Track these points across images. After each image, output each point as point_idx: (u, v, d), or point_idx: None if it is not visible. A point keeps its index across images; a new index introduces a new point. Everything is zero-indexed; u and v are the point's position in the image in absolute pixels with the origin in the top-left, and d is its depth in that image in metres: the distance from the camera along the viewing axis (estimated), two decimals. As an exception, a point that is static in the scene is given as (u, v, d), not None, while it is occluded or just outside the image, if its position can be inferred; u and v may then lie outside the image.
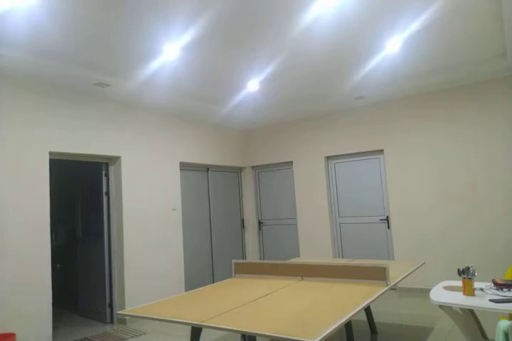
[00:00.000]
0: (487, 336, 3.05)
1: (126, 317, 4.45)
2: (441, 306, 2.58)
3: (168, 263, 5.07)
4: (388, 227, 5.48)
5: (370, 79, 4.54)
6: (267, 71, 4.08)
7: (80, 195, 5.17)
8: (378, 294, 2.55)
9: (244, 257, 6.63)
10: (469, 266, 2.69)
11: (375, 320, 4.07)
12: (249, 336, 2.19)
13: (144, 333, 4.09)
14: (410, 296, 4.97)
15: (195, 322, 2.10)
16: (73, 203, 5.88)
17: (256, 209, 6.77)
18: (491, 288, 2.80)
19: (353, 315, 2.11)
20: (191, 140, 5.74)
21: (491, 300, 2.48)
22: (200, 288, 3.06)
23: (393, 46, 3.59)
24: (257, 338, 3.18)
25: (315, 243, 5.99)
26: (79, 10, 2.68)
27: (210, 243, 5.99)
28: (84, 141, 4.30)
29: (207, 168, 6.15)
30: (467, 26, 3.30)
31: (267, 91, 4.77)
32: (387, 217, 5.48)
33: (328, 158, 6.08)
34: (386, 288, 2.70)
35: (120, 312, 2.47)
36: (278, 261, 3.30)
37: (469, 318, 2.74)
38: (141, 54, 3.48)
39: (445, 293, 2.74)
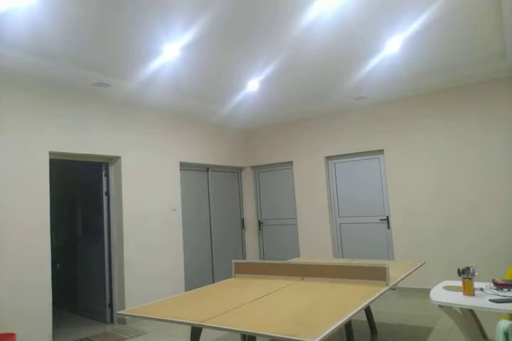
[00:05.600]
0: (487, 336, 3.05)
1: (126, 317, 4.45)
2: (441, 306, 2.58)
3: (168, 263, 5.06)
4: (388, 227, 5.48)
5: (370, 79, 4.54)
6: (267, 71, 4.08)
7: (80, 195, 5.17)
8: (378, 294, 2.55)
9: (244, 257, 6.63)
10: (469, 266, 2.69)
11: (375, 320, 4.07)
12: (249, 336, 2.19)
13: (144, 333, 4.09)
14: (410, 296, 4.97)
15: (195, 322, 2.10)
16: (73, 203, 5.88)
17: (256, 209, 6.77)
18: (491, 288, 2.80)
19: (353, 315, 2.10)
20: (191, 140, 5.74)
21: (491, 300, 2.48)
22: (200, 288, 3.06)
23: (393, 46, 3.59)
24: (257, 338, 3.18)
25: (315, 243, 5.99)
26: (79, 10, 2.68)
27: (210, 243, 5.99)
28: (84, 141, 4.30)
29: (207, 168, 6.15)
30: (467, 26, 3.30)
31: (267, 91, 4.77)
32: (387, 216, 5.48)
33: (328, 158, 6.08)
34: (386, 288, 2.70)
35: (120, 312, 2.47)
36: (278, 261, 3.30)
37: (469, 318, 2.74)
38: (141, 54, 3.48)
39: (445, 293, 2.74)
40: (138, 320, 4.55)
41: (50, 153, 4.07)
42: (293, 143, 6.35)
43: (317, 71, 4.17)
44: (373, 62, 4.00)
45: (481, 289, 2.78)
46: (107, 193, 4.72)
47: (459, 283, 3.02)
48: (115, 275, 4.60)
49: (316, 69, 4.10)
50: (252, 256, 6.65)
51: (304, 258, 4.72)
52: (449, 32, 3.38)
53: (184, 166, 5.70)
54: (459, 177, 4.92)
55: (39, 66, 3.56)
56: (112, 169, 4.76)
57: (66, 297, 5.86)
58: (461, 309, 2.66)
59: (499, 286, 2.76)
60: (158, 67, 3.79)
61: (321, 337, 1.75)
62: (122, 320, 4.48)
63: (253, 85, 4.50)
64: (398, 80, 4.63)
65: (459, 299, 2.57)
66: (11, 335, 3.31)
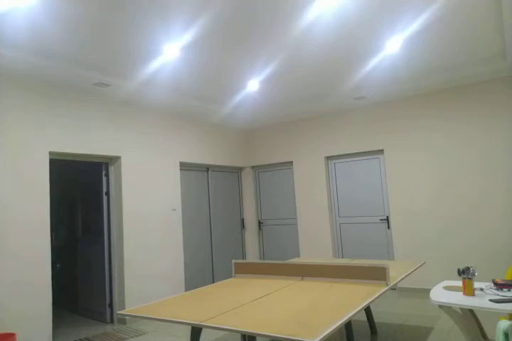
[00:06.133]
0: (487, 336, 3.05)
1: (126, 317, 4.45)
2: (441, 306, 2.58)
3: (168, 263, 5.06)
4: (388, 227, 5.48)
5: (370, 79, 4.54)
6: (267, 71, 4.08)
7: (80, 195, 5.17)
8: (378, 294, 2.55)
9: (244, 257, 6.62)
10: (469, 266, 2.69)
11: (375, 320, 4.07)
12: (249, 336, 2.19)
13: (144, 333, 4.09)
14: (410, 296, 4.97)
15: (195, 322, 2.10)
16: (73, 203, 5.88)
17: (256, 209, 6.77)
18: (491, 288, 2.80)
19: (353, 315, 2.10)
20: (191, 140, 5.74)
21: (491, 300, 2.48)
22: (200, 288, 3.06)
23: (393, 46, 3.59)
24: (257, 338, 3.18)
25: (315, 243, 5.99)
26: (79, 10, 2.68)
27: (210, 243, 5.99)
28: (84, 141, 4.29)
29: (207, 168, 6.15)
30: (467, 26, 3.30)
31: (267, 91, 4.77)
32: (387, 216, 5.48)
33: (328, 158, 6.08)
34: (386, 288, 2.70)
35: (120, 312, 2.47)
36: (278, 261, 3.30)
37: (469, 318, 2.74)
38: (141, 54, 3.48)
39: (445, 293, 2.74)
40: (138, 320, 4.55)
41: (50, 153, 4.07)
42: (293, 143, 6.35)
43: (317, 71, 4.17)
44: (373, 62, 4.00)
45: (481, 289, 2.78)
46: (107, 193, 4.72)
47: (459, 283, 3.02)
48: (115, 275, 4.60)
49: (316, 69, 4.10)
50: (252, 256, 6.65)
51: (304, 258, 4.72)
52: (449, 32, 3.38)
53: (184, 166, 5.70)
54: (459, 177, 4.91)
55: (39, 66, 3.56)
56: (112, 169, 4.75)
57: (66, 297, 5.86)
58: (461, 309, 2.66)
59: (499, 286, 2.76)
60: (158, 67, 3.79)
61: (321, 337, 1.75)
62: (122, 320, 4.48)
63: (253, 85, 4.50)
64: (398, 80, 4.63)
65: (459, 299, 2.57)
66: (11, 335, 3.31)
